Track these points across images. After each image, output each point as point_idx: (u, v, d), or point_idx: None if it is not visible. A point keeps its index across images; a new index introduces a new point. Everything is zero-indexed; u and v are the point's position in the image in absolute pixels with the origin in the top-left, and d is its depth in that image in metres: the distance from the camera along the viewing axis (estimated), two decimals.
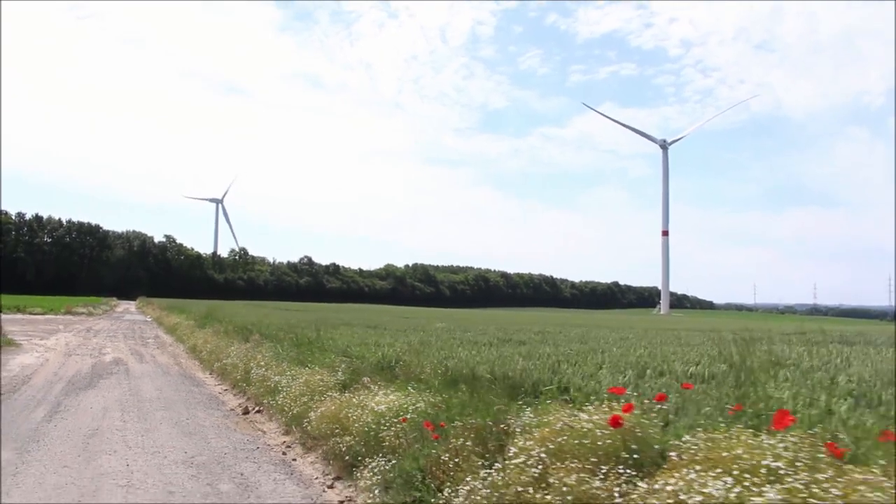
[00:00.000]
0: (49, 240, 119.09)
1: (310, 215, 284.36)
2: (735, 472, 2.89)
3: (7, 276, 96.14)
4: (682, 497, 2.79)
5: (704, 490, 2.78)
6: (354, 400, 6.08)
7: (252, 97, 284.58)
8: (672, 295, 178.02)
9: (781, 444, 3.00)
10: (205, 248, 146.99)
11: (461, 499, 3.74)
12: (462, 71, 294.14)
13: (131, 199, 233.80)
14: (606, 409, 3.94)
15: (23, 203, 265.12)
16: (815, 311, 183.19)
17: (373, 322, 21.07)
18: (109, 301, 74.09)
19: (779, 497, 2.64)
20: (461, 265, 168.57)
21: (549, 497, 3.29)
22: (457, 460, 4.16)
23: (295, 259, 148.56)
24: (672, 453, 3.30)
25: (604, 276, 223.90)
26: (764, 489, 2.72)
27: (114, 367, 14.92)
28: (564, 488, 3.30)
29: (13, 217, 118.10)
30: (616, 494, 3.11)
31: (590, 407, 4.02)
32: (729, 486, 2.77)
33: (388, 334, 14.01)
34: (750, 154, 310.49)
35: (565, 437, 3.74)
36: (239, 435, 7.79)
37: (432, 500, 4.09)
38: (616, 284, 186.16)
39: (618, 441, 3.60)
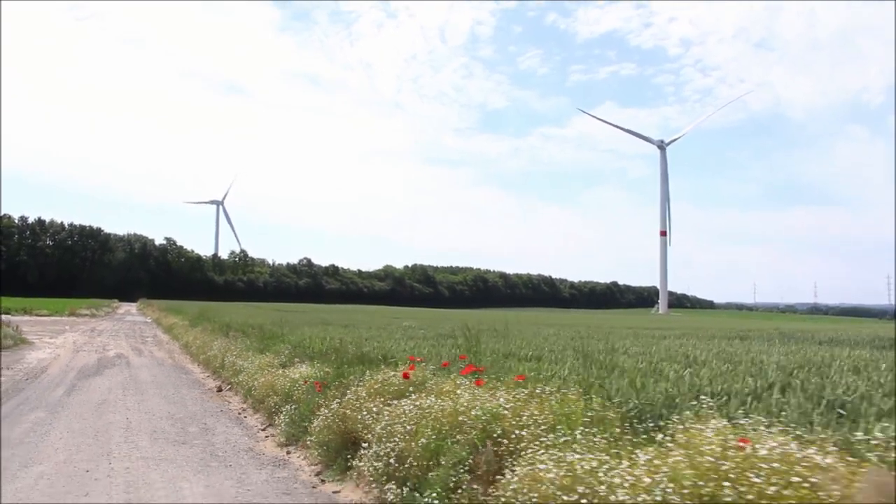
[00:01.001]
0: (51, 243, 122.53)
1: (310, 215, 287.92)
2: (440, 395, 5.68)
3: (10, 279, 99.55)
4: (405, 407, 5.57)
5: (416, 403, 5.56)
6: (280, 372, 8.91)
7: (252, 97, 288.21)
8: (672, 295, 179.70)
9: (466, 381, 5.79)
10: (207, 249, 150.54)
11: (319, 419, 6.56)
12: (461, 71, 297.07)
13: (132, 199, 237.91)
14: (411, 370, 6.74)
15: (23, 203, 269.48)
16: (816, 310, 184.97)
17: (349, 321, 23.84)
18: (111, 303, 77.15)
19: (449, 402, 5.41)
20: (461, 266, 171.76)
21: (356, 415, 6.09)
22: (325, 402, 6.96)
23: (295, 259, 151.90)
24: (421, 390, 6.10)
25: (605, 275, 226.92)
26: (446, 402, 5.50)
27: (116, 360, 17.75)
28: (364, 409, 6.10)
29: (16, 220, 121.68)
30: (385, 409, 5.90)
31: (401, 368, 6.81)
32: (427, 400, 5.55)
33: (353, 331, 16.79)
34: (750, 153, 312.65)
35: (380, 385, 6.54)
36: (210, 403, 10.62)
37: (306, 424, 6.92)
38: (615, 284, 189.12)
39: (405, 385, 6.39)
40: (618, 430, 4.13)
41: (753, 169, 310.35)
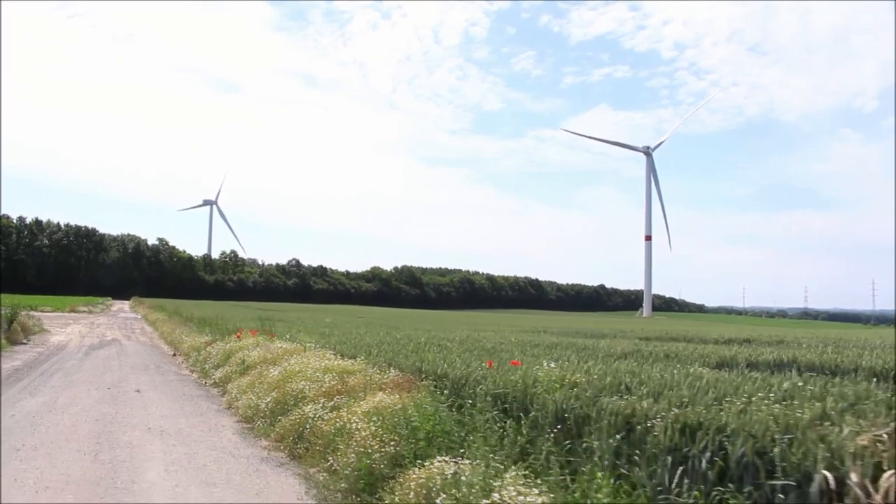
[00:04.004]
0: (48, 242, 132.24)
1: (307, 215, 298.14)
2: (239, 341, 14.91)
3: (9, 277, 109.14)
4: (224, 346, 14.73)
5: (228, 345, 14.75)
6: (198, 340, 18.12)
7: (248, 96, 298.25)
8: (661, 298, 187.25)
9: (244, 338, 15.01)
10: (204, 248, 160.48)
11: (201, 356, 15.73)
12: (456, 72, 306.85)
13: (130, 199, 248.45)
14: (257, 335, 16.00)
15: (21, 202, 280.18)
16: (806, 315, 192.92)
17: (287, 318, 33.10)
18: (105, 301, 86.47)
19: (258, 350, 14.61)
20: (450, 267, 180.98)
21: (211, 351, 15.26)
22: (207, 349, 16.13)
23: (287, 258, 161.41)
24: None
25: (599, 277, 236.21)
26: (236, 343, 14.70)
27: (112, 342, 26.94)
28: (213, 349, 15.30)
29: (14, 221, 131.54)
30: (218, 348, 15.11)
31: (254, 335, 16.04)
32: (234, 344, 14.76)
33: (269, 323, 25.99)
34: (745, 155, 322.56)
35: (228, 340, 15.76)
36: (165, 359, 19.82)
37: (201, 359, 16.10)
38: (602, 287, 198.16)
39: (236, 339, 15.61)
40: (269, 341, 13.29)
41: (748, 172, 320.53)
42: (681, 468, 4.61)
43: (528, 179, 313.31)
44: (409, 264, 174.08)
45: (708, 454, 4.58)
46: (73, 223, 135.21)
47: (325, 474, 6.36)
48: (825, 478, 3.86)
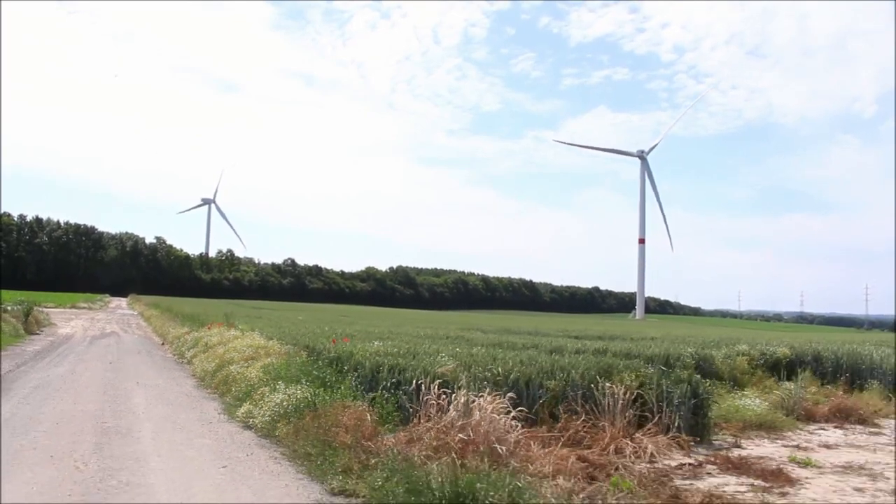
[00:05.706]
0: (48, 240, 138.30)
1: (304, 214, 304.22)
2: (209, 331, 20.49)
3: (9, 274, 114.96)
4: (196, 335, 20.25)
5: (198, 334, 20.30)
6: (180, 330, 23.65)
7: (248, 96, 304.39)
8: (655, 301, 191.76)
9: (213, 329, 20.56)
10: (201, 247, 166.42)
11: (180, 342, 21.26)
12: (455, 72, 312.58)
13: (130, 198, 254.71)
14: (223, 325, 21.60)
15: (21, 201, 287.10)
16: (802, 319, 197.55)
17: (263, 315, 38.65)
18: (104, 298, 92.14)
19: (217, 337, 20.17)
20: (445, 268, 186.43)
21: (186, 337, 20.78)
22: (185, 337, 21.67)
23: (284, 257, 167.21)
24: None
25: (596, 278, 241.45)
26: (206, 332, 20.28)
27: (111, 334, 32.52)
28: (188, 338, 20.85)
29: (15, 218, 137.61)
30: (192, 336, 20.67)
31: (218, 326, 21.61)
32: (204, 333, 20.32)
33: (251, 320, 31.54)
34: (744, 159, 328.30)
35: (202, 330, 21.33)
36: (155, 347, 25.39)
37: (182, 346, 21.63)
38: (596, 290, 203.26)
39: (208, 329, 21.19)
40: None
41: (747, 175, 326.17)
42: (384, 384, 10.11)
43: (527, 180, 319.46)
44: (405, 264, 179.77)
45: (394, 379, 10.04)
46: (72, 221, 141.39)
47: (229, 398, 11.91)
48: (415, 384, 9.33)
